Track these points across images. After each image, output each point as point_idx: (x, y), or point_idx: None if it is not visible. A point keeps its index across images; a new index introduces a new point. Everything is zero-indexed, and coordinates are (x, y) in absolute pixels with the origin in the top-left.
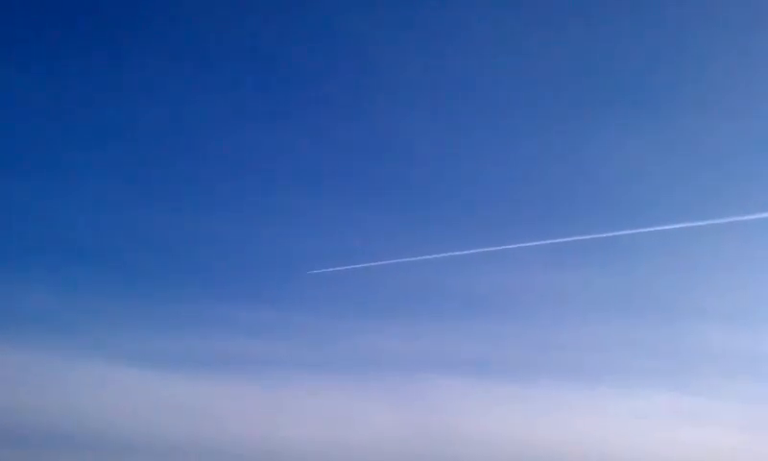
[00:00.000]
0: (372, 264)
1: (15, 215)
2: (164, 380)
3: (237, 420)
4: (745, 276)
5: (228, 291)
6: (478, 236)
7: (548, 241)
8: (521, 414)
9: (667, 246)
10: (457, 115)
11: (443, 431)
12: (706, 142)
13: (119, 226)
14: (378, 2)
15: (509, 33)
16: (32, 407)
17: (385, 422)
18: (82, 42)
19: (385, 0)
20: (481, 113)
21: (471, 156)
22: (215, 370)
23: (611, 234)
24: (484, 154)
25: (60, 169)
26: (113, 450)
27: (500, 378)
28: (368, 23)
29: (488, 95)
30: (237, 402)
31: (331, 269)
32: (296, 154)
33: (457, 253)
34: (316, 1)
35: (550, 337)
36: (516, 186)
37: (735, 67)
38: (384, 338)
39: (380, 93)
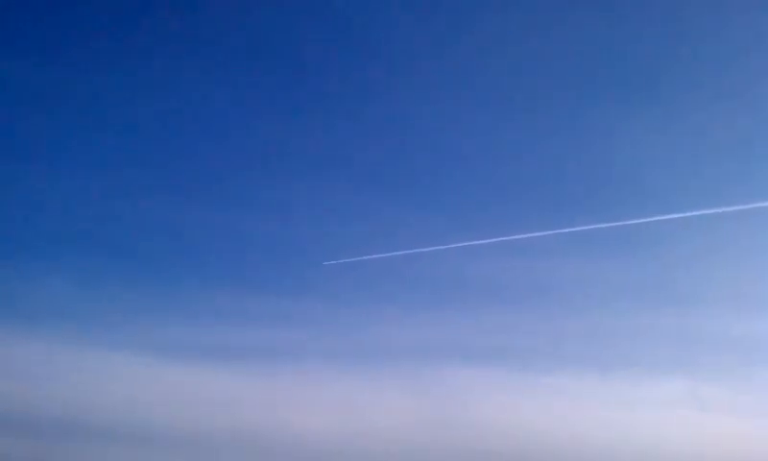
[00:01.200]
0: (388, 255)
1: (29, 207)
2: (181, 371)
3: (253, 410)
4: (763, 263)
5: (243, 282)
6: (494, 226)
7: (564, 230)
8: (538, 403)
9: (684, 234)
10: (474, 104)
11: (460, 421)
12: (723, 130)
13: (135, 218)
14: None
15: (524, 24)
16: (48, 397)
17: (401, 411)
18: (96, 36)
19: None
20: (500, 104)
21: (489, 145)
22: (231, 360)
23: (627, 223)
24: (502, 143)
25: (76, 161)
26: (129, 440)
27: (517, 368)
28: (382, 16)
29: (508, 86)
30: (254, 392)
31: (346, 260)
32: (309, 145)
33: (474, 242)
34: None
35: (567, 326)
36: (534, 175)
37: (755, 55)
38: (401, 328)
39: (395, 84)
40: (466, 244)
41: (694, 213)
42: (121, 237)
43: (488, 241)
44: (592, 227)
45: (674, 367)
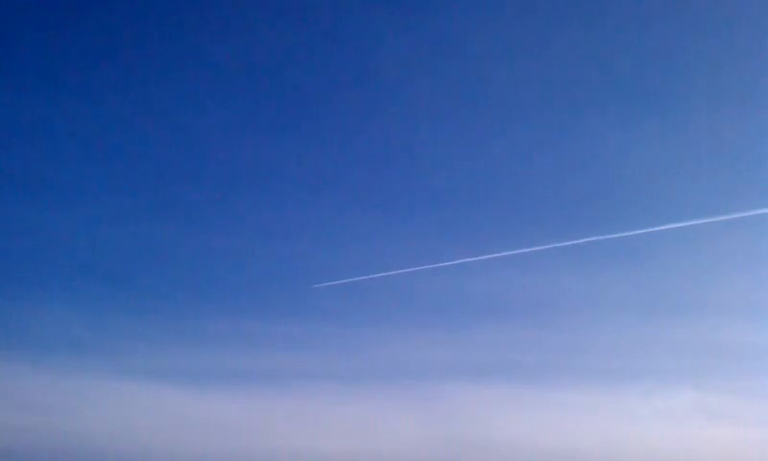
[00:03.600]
0: (379, 275)
1: (30, 236)
2: (178, 395)
3: (253, 433)
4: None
5: (233, 307)
6: (492, 241)
7: (567, 243)
8: (544, 418)
9: (687, 243)
10: (465, 121)
11: (461, 438)
12: (720, 139)
13: (130, 243)
14: (389, 10)
15: (520, 36)
16: (55, 427)
17: (399, 430)
18: (89, 65)
19: (396, 8)
20: (490, 119)
21: (484, 161)
22: (228, 384)
23: (628, 234)
24: (497, 159)
25: (72, 190)
26: None
27: (522, 383)
28: (376, 31)
29: (498, 101)
30: (254, 416)
31: (335, 282)
32: (301, 165)
33: (471, 259)
34: (324, 11)
35: (570, 340)
36: (531, 189)
37: (749, 65)
38: (395, 348)
39: (386, 104)
40: (465, 261)
41: (699, 221)
42: (116, 264)
43: (489, 257)
44: (595, 239)
45: (682, 378)
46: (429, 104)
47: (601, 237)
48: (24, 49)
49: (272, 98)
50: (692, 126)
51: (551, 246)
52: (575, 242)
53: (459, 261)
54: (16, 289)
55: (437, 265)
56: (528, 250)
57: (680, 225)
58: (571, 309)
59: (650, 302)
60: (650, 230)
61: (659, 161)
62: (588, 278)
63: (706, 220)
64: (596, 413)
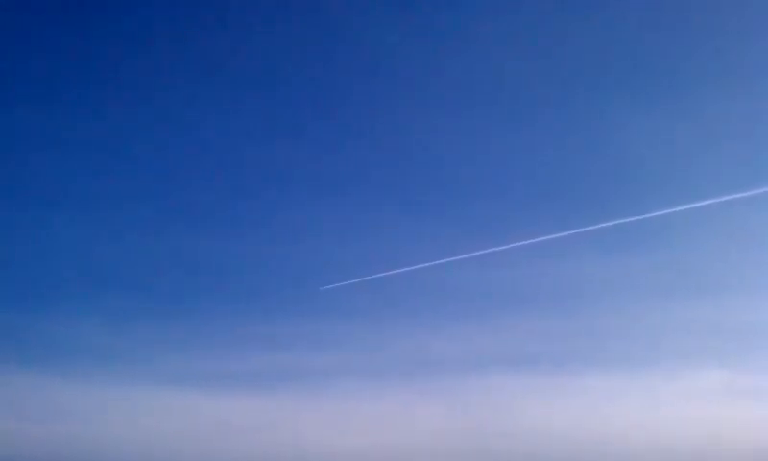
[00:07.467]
0: (390, 273)
1: (55, 249)
2: (195, 399)
3: (271, 433)
4: None
5: (249, 310)
6: (511, 231)
7: (583, 230)
8: (571, 405)
9: (707, 223)
10: (480, 114)
11: (485, 429)
12: (735, 117)
13: (145, 250)
14: (396, 10)
15: (535, 26)
16: (89, 436)
17: (421, 424)
18: (106, 71)
19: (403, 7)
20: (505, 110)
21: (498, 152)
22: (247, 386)
23: (649, 216)
24: (511, 149)
25: (85, 202)
26: None
27: (547, 371)
28: (386, 29)
29: (513, 91)
30: (273, 416)
31: (342, 283)
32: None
33: (490, 250)
34: (333, 13)
35: (595, 326)
36: (547, 177)
37: (761, 45)
38: (418, 343)
39: (391, 106)
40: (479, 253)
41: (719, 200)
42: (127, 272)
43: (507, 247)
44: (616, 222)
45: (708, 359)
46: (441, 96)
47: (622, 221)
48: (41, 61)
49: (279, 102)
50: (707, 105)
51: (571, 232)
52: (595, 227)
53: (476, 253)
54: (36, 300)
55: (453, 259)
56: (547, 237)
57: (700, 204)
58: (594, 295)
59: (673, 284)
60: (670, 210)
61: (675, 142)
62: (611, 262)
63: (726, 198)
64: (624, 398)
